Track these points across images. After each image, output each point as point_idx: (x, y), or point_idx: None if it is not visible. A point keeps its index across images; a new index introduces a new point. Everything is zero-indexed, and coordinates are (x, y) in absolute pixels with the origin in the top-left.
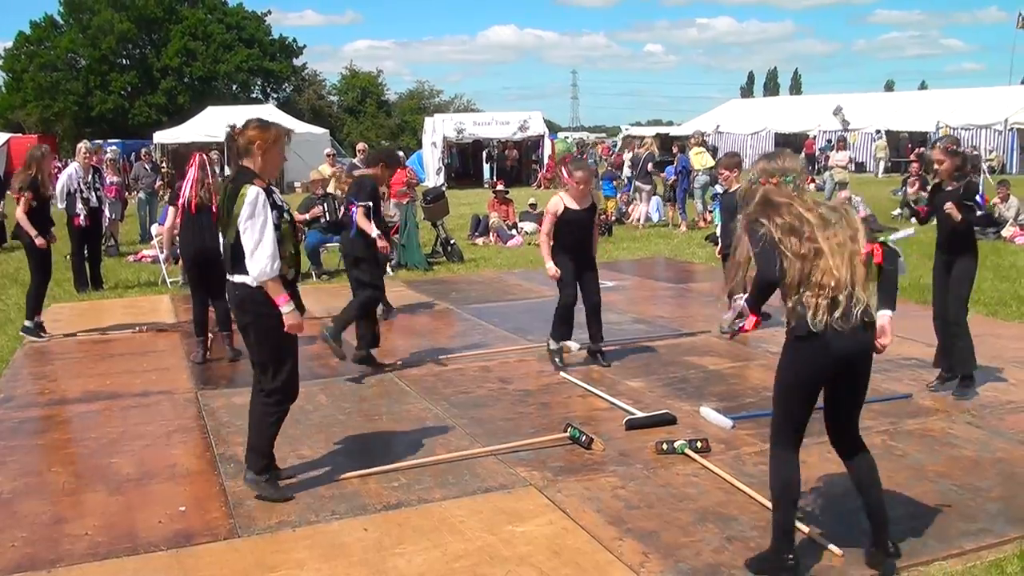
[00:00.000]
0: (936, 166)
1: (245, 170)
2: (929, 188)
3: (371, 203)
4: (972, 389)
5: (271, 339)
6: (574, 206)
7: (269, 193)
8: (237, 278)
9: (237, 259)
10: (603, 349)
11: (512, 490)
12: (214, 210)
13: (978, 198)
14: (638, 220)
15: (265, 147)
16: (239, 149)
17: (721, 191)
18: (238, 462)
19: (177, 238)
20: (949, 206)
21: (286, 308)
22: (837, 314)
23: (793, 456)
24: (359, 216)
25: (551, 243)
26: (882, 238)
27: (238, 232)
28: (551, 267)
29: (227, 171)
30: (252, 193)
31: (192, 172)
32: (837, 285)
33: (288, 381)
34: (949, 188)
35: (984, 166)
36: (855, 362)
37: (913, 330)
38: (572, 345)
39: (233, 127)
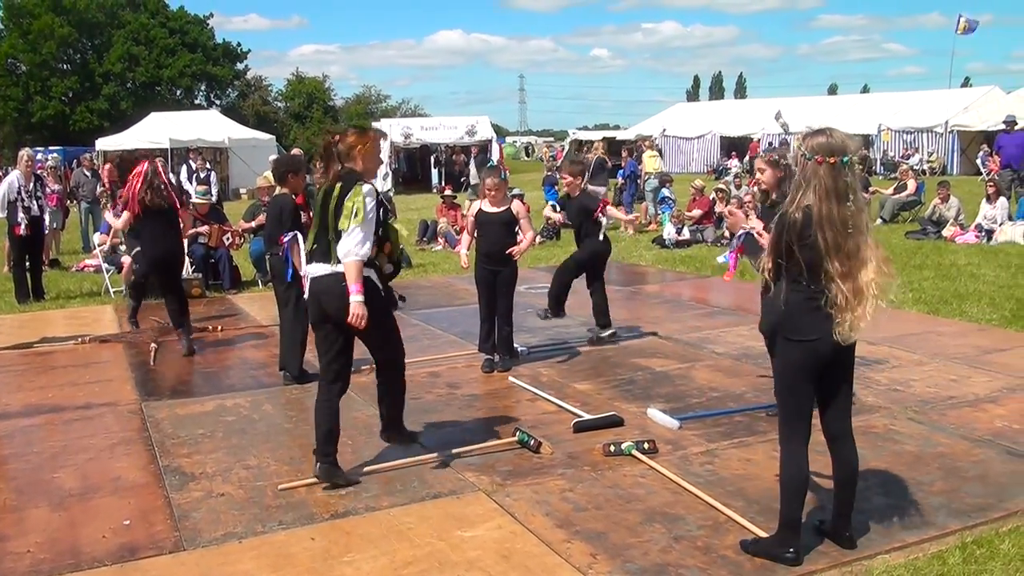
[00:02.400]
0: (758, 174)
1: (351, 171)
2: (759, 201)
3: (296, 231)
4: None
5: (380, 320)
6: (488, 208)
7: (376, 192)
8: (320, 267)
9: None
10: (502, 356)
11: (461, 495)
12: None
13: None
14: None
15: (365, 151)
16: (340, 154)
17: (562, 195)
18: (183, 474)
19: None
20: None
21: (356, 297)
22: (829, 319)
23: (796, 450)
24: (293, 251)
25: (471, 240)
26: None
27: (335, 224)
28: (462, 255)
29: (172, 177)
30: (365, 189)
31: (138, 178)
32: (832, 301)
33: (401, 348)
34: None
35: (926, 167)
36: (842, 360)
37: None
38: (520, 349)
39: (332, 135)
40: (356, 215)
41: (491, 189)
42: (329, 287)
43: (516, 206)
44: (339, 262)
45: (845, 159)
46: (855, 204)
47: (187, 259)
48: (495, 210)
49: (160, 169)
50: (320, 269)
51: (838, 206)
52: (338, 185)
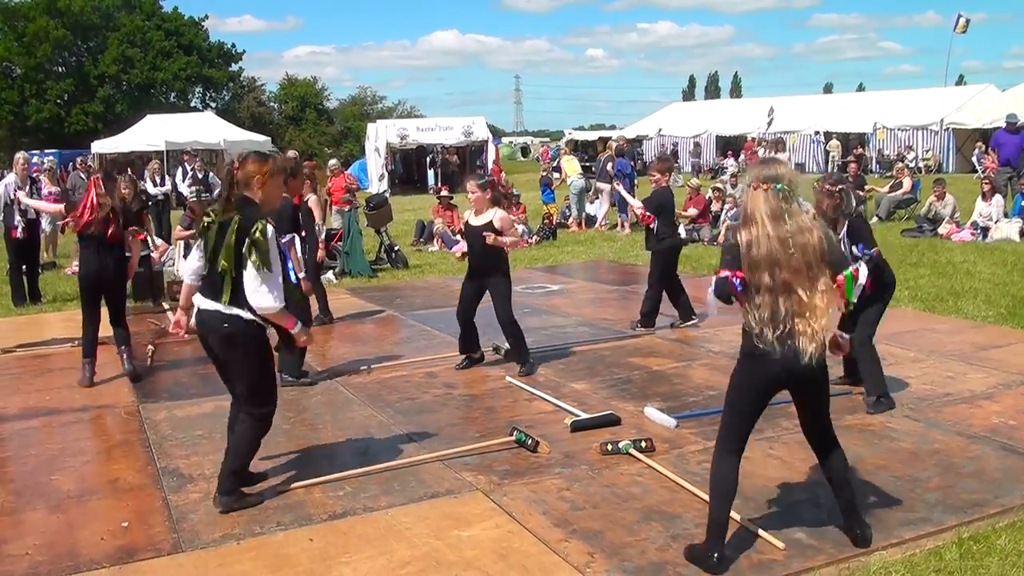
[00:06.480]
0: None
1: (248, 202)
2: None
3: (294, 233)
4: (886, 404)
5: (258, 369)
6: (471, 220)
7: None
8: (229, 310)
9: (232, 290)
10: (520, 364)
11: (458, 495)
12: (108, 233)
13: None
14: (601, 224)
15: (264, 180)
16: (238, 182)
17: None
18: (181, 475)
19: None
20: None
21: (295, 329)
22: (776, 336)
23: (730, 457)
24: (292, 253)
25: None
26: (848, 271)
27: (232, 263)
28: (460, 251)
29: (166, 183)
30: (270, 231)
31: (90, 194)
32: (774, 316)
33: (274, 400)
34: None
35: (921, 165)
36: (799, 381)
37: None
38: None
39: (233, 162)
40: (260, 257)
41: (470, 192)
42: (214, 326)
43: (500, 217)
44: (228, 303)
45: (777, 186)
46: (794, 225)
47: (182, 260)
48: (476, 222)
49: (101, 184)
50: (206, 303)
51: (774, 225)
52: (236, 218)
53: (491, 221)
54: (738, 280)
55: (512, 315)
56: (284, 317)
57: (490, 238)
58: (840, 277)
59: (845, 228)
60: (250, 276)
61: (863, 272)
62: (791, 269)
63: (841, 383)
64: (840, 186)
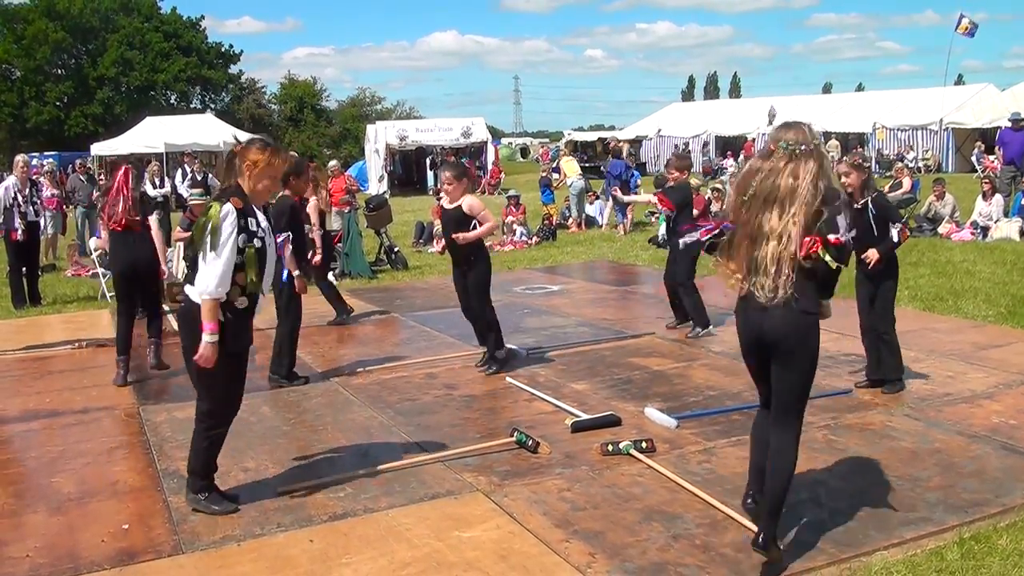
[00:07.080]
0: (844, 178)
1: (231, 188)
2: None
3: (291, 232)
4: (900, 386)
5: (194, 355)
6: (445, 205)
7: (245, 215)
8: (187, 289)
9: (193, 271)
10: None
11: (459, 496)
12: (123, 222)
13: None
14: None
15: (256, 169)
16: (236, 168)
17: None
18: (181, 477)
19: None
20: (872, 255)
21: (208, 337)
22: (749, 287)
23: (757, 426)
24: (286, 252)
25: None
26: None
27: (194, 242)
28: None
29: (166, 184)
30: (223, 210)
31: (122, 188)
32: (746, 265)
33: (219, 404)
34: (858, 206)
35: (921, 165)
36: (766, 338)
37: (850, 327)
38: (519, 350)
39: (237, 143)
40: (211, 238)
41: (447, 183)
42: (183, 314)
43: (468, 203)
44: (189, 283)
45: (782, 144)
46: (789, 176)
47: (182, 262)
48: (449, 207)
49: (132, 177)
50: (187, 290)
51: (766, 174)
52: (214, 203)
53: (459, 206)
54: (718, 227)
55: (486, 310)
56: (208, 313)
57: (459, 239)
58: (816, 240)
59: (870, 204)
60: (200, 255)
61: (846, 244)
62: (770, 217)
63: (866, 385)
64: (868, 162)
